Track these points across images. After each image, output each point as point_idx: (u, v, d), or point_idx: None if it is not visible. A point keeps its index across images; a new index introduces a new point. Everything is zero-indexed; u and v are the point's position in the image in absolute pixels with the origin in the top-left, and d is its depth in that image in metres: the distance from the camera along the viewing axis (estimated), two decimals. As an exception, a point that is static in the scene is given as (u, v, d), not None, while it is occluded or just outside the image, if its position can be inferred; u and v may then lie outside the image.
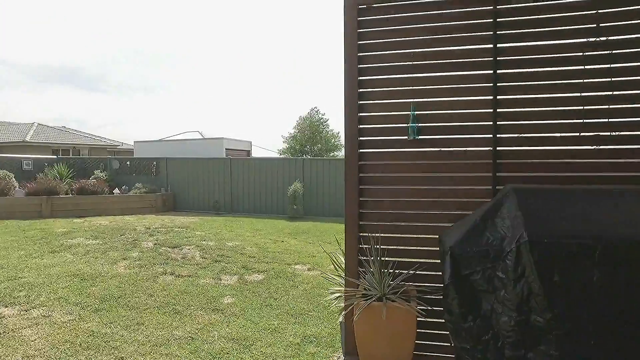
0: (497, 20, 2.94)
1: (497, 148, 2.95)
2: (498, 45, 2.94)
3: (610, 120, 2.81)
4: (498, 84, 2.95)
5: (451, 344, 2.37)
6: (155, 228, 10.38)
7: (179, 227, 10.69)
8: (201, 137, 24.76)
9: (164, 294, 5.31)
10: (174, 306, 4.88)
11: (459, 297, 2.30)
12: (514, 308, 2.15)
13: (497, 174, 2.94)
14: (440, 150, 3.08)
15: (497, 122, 2.95)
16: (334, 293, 3.16)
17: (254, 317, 4.59)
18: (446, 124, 3.07)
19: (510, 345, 2.18)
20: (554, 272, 2.07)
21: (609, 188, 2.54)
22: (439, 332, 2.99)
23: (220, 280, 6.05)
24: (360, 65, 3.15)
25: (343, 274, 3.19)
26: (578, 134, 2.85)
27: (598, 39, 2.81)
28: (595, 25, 2.81)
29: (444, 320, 2.47)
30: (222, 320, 4.48)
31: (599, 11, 2.81)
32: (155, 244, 8.41)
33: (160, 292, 5.41)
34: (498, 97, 2.95)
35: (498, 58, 2.95)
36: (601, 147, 2.83)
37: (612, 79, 2.80)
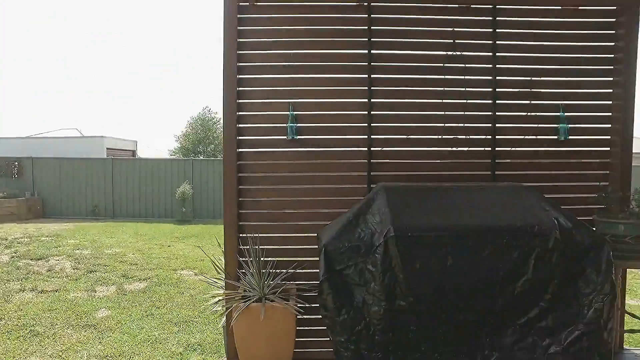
0: (372, 28, 3.12)
1: (372, 149, 3.13)
2: (372, 51, 3.13)
3: (465, 125, 3.16)
4: (372, 88, 3.13)
5: (330, 339, 2.45)
6: (15, 238, 9.04)
7: (46, 236, 9.46)
8: (80, 134, 22.24)
9: (18, 315, 4.61)
10: (32, 328, 4.26)
11: (333, 292, 2.38)
12: (383, 298, 2.31)
13: (372, 173, 3.12)
14: (319, 150, 3.17)
15: (372, 125, 3.13)
16: (215, 297, 3.05)
17: (133, 329, 4.23)
18: (325, 124, 3.17)
19: (380, 331, 2.35)
20: (415, 261, 2.28)
21: (463, 185, 2.85)
22: (320, 328, 3.07)
23: (95, 292, 5.48)
24: (239, 64, 3.09)
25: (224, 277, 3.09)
26: (440, 136, 3.16)
27: (455, 53, 3.15)
28: (452, 40, 3.15)
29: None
30: (94, 337, 4.04)
31: (455, 29, 3.15)
32: (12, 256, 7.31)
33: (14, 313, 4.69)
34: (372, 100, 3.13)
35: (372, 64, 3.13)
36: (459, 148, 3.18)
37: (465, 89, 3.16)
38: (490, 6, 3.15)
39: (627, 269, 3.00)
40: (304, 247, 3.13)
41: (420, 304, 2.33)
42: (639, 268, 2.76)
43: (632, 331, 3.08)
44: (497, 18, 3.17)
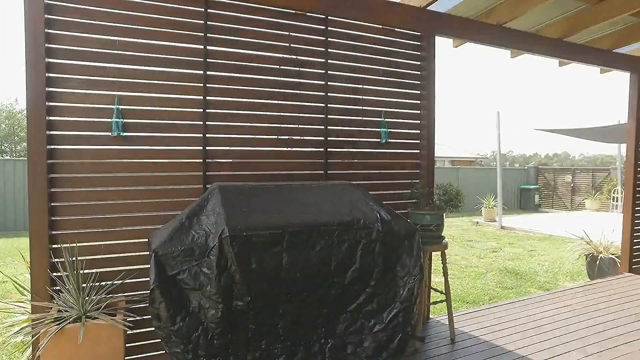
0: (208, 23, 3.01)
1: (207, 148, 3.03)
2: (209, 47, 3.02)
3: (300, 126, 3.31)
4: (208, 85, 3.03)
5: (166, 352, 2.26)
6: None
7: None
8: None
9: None
10: None
11: (166, 299, 2.21)
12: (220, 300, 2.25)
13: (208, 173, 3.02)
14: (150, 148, 2.92)
15: (207, 123, 3.03)
16: (15, 325, 2.52)
17: None
18: (158, 121, 2.93)
19: (218, 334, 2.29)
20: (251, 260, 2.27)
21: (298, 183, 2.97)
22: (155, 341, 2.83)
23: None
24: (49, 45, 2.63)
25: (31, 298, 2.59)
26: (276, 137, 3.24)
27: (291, 56, 3.27)
28: (288, 44, 3.26)
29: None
30: None
31: (291, 34, 3.27)
32: None
33: None
34: (208, 97, 3.03)
35: (208, 60, 3.02)
36: (295, 148, 3.31)
37: (300, 92, 3.31)
38: (323, 16, 3.38)
39: (432, 252, 3.56)
40: (135, 254, 2.84)
41: (258, 302, 2.34)
42: (439, 250, 3.28)
43: (435, 303, 3.67)
44: (329, 28, 3.41)
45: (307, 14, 3.33)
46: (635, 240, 5.54)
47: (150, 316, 2.23)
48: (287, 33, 3.26)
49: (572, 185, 18.24)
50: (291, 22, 3.28)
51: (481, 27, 4.13)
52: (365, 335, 2.67)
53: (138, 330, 2.72)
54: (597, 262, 6.01)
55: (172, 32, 2.94)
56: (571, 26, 4.49)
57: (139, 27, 2.86)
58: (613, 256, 5.86)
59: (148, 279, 2.60)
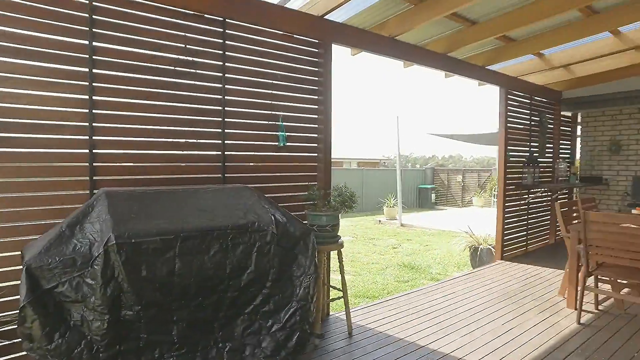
0: (94, 17, 2.83)
1: (94, 151, 2.84)
2: (94, 43, 2.84)
3: (196, 129, 3.26)
4: (95, 84, 2.84)
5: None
6: None
7: None
8: None
9: None
10: None
11: (41, 316, 2.04)
12: (106, 311, 2.14)
13: (95, 178, 2.83)
14: (26, 151, 2.65)
15: (95, 124, 2.84)
16: None
17: None
18: (36, 121, 2.67)
19: (104, 347, 2.18)
20: (141, 268, 2.20)
21: (192, 188, 2.92)
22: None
23: None
24: None
25: None
26: (171, 140, 3.15)
27: (187, 58, 3.20)
28: (184, 45, 3.19)
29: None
30: None
31: (187, 35, 3.21)
32: None
33: None
34: (95, 97, 2.84)
35: (94, 57, 2.84)
36: (190, 152, 3.24)
37: (197, 94, 3.26)
38: (221, 18, 3.36)
39: (330, 251, 3.73)
40: (8, 269, 2.57)
41: (150, 310, 2.27)
42: (336, 249, 3.46)
43: (333, 299, 3.85)
44: (227, 31, 3.40)
45: (205, 15, 3.29)
46: (505, 232, 6.35)
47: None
48: (183, 34, 3.19)
49: (462, 184, 20.21)
50: (188, 23, 3.21)
51: (375, 38, 4.43)
52: (264, 335, 2.72)
53: (7, 357, 2.46)
54: (478, 252, 6.78)
55: (55, 24, 2.70)
56: (451, 43, 5.02)
57: (14, 14, 2.58)
58: (490, 247, 6.65)
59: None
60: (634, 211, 4.58)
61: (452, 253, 8.49)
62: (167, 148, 3.15)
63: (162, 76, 3.11)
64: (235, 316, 2.65)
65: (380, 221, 13.88)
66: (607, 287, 4.43)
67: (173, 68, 3.14)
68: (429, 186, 19.50)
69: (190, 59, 3.22)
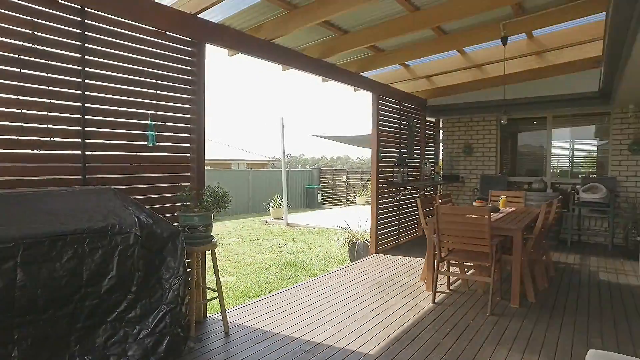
0: None
1: None
2: None
3: (48, 126, 2.96)
4: None
5: None
6: None
7: None
8: None
9: None
10: None
11: None
12: None
13: None
14: None
15: None
16: None
17: None
18: None
19: None
20: (-28, 282, 1.94)
21: (43, 190, 2.65)
22: None
23: None
24: None
25: None
26: (17, 137, 2.81)
27: (35, 46, 2.89)
28: (31, 32, 2.87)
29: None
30: None
31: (35, 20, 2.89)
32: None
33: None
34: None
35: None
36: (43, 151, 2.93)
37: (50, 88, 2.95)
38: (79, 7, 3.10)
39: (205, 252, 3.69)
40: None
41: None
42: (209, 250, 3.44)
43: (210, 300, 3.81)
44: (87, 21, 3.15)
45: (60, 1, 3.00)
46: (379, 227, 6.93)
47: None
48: (30, 18, 2.87)
49: (346, 184, 21.38)
50: (37, 7, 2.89)
51: (251, 40, 4.49)
52: (130, 343, 2.60)
53: None
54: (356, 247, 7.26)
55: None
56: (326, 49, 5.32)
57: None
58: (366, 241, 7.18)
59: None
60: (474, 203, 5.37)
61: (333, 249, 8.95)
62: (17, 147, 2.80)
63: (6, 65, 2.76)
64: (96, 326, 2.49)
65: (267, 222, 13.98)
66: (458, 270, 5.13)
67: (17, 57, 2.81)
68: (315, 186, 20.20)
69: (40, 47, 2.91)
